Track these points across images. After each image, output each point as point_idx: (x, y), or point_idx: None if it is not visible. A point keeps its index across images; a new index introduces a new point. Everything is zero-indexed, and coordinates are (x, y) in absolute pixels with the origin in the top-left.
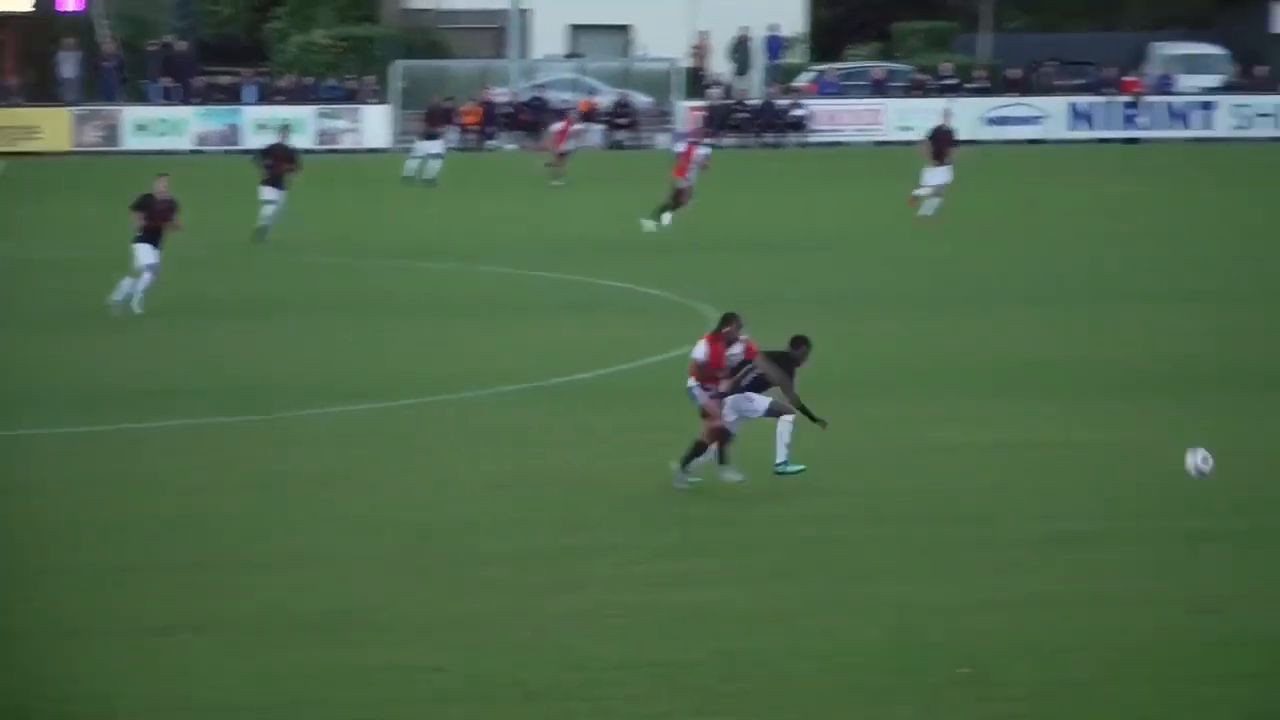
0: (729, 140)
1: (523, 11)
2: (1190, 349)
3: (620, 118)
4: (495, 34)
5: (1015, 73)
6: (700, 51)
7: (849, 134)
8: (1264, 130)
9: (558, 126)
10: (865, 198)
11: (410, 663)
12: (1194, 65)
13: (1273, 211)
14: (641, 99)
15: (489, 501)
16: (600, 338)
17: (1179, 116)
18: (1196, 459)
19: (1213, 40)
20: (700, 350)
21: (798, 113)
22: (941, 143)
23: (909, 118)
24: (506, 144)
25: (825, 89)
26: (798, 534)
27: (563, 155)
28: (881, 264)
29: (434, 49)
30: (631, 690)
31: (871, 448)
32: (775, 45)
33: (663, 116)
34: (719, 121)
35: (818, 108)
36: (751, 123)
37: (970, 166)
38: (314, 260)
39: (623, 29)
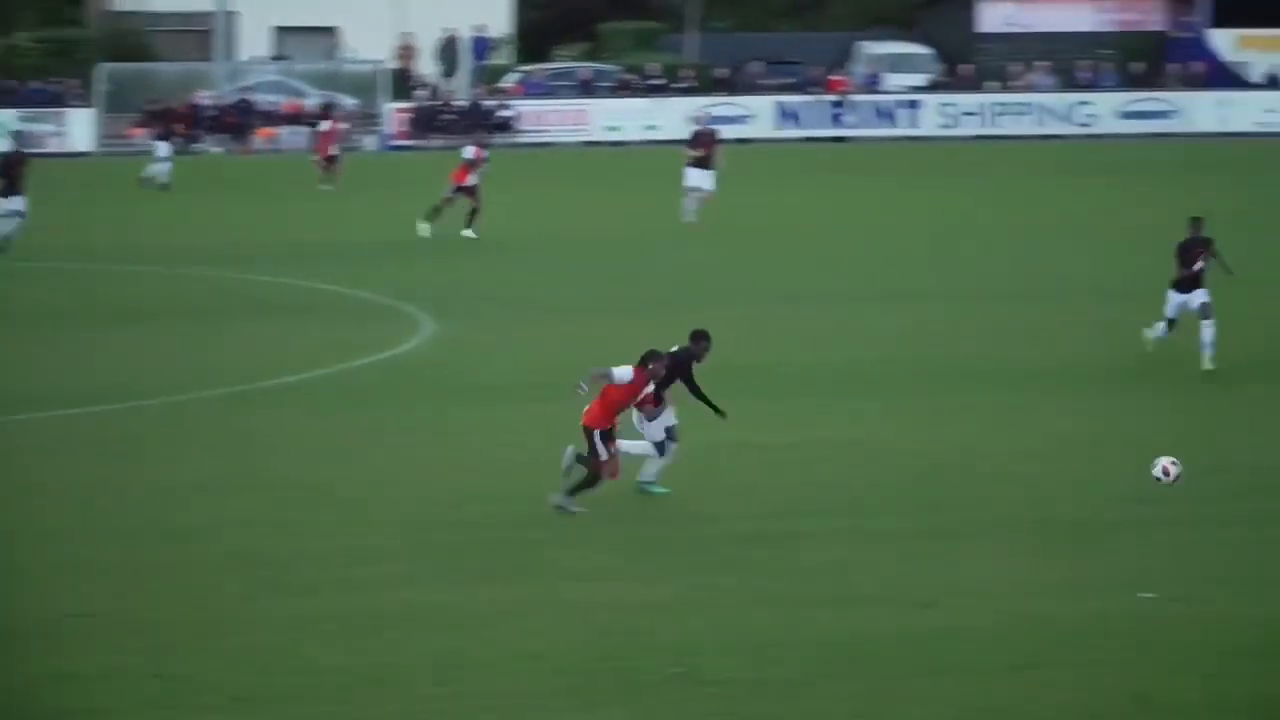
0: (436, 142)
1: (229, 14)
2: (909, 347)
3: (327, 120)
4: (201, 36)
5: (722, 72)
6: (406, 53)
7: (556, 134)
8: (970, 128)
9: (324, 127)
10: (573, 199)
11: (128, 669)
12: (900, 64)
13: (981, 210)
14: (348, 101)
15: (203, 505)
16: (309, 341)
17: (885, 115)
18: (1164, 470)
19: (918, 40)
20: (625, 374)
21: (505, 114)
22: (704, 144)
23: (616, 118)
24: (212, 147)
25: (532, 90)
26: (510, 535)
27: (331, 159)
28: (593, 265)
29: (140, 52)
30: (344, 694)
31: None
32: (482, 46)
33: (370, 119)
34: (426, 123)
35: (525, 108)
36: (458, 124)
37: (680, 167)
38: (22, 265)
39: (329, 31)
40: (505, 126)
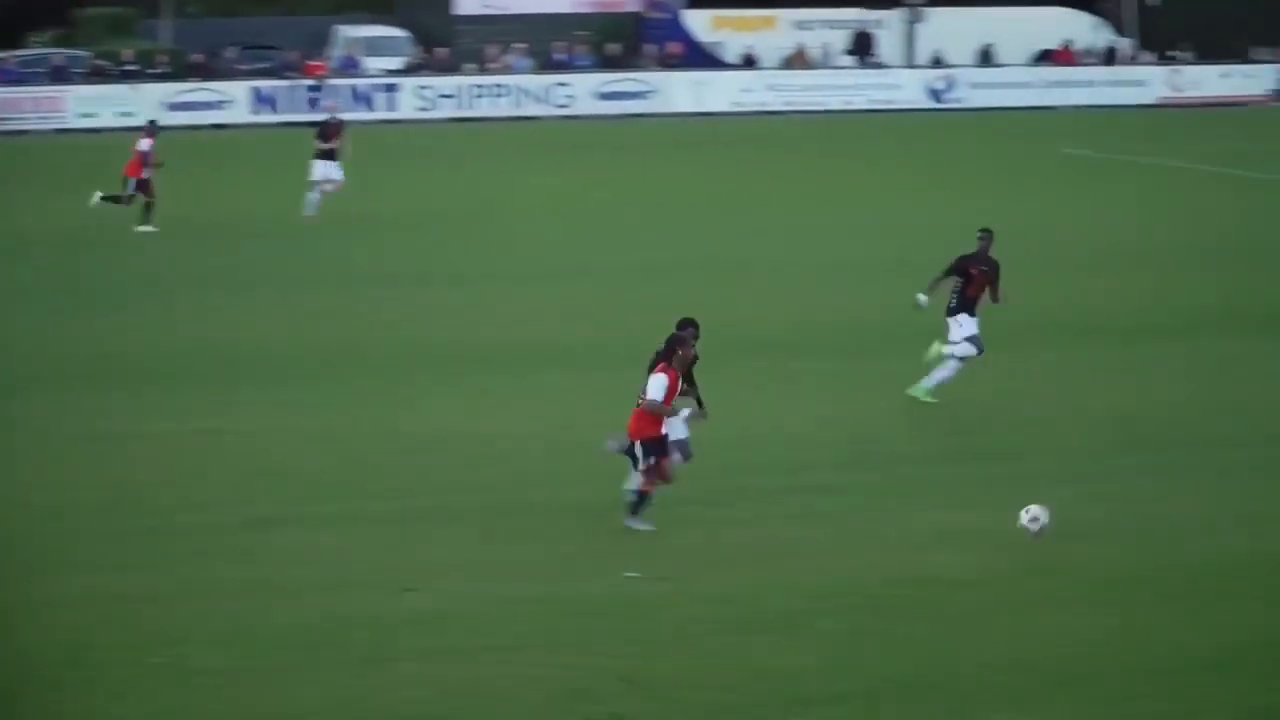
0: None
1: None
2: (398, 331)
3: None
4: None
5: (198, 58)
6: None
7: (31, 122)
8: (446, 111)
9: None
10: (53, 191)
11: None
12: (377, 47)
13: (461, 191)
14: None
15: None
16: None
17: (363, 99)
18: (1031, 520)
19: (395, 23)
20: (660, 383)
21: None
22: (333, 134)
23: (91, 105)
24: None
25: (3, 76)
26: None
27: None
28: (94, 255)
29: None
30: None
31: (84, 438)
32: None
33: None
34: None
35: None
36: None
37: (165, 154)
38: None
39: None
40: None
